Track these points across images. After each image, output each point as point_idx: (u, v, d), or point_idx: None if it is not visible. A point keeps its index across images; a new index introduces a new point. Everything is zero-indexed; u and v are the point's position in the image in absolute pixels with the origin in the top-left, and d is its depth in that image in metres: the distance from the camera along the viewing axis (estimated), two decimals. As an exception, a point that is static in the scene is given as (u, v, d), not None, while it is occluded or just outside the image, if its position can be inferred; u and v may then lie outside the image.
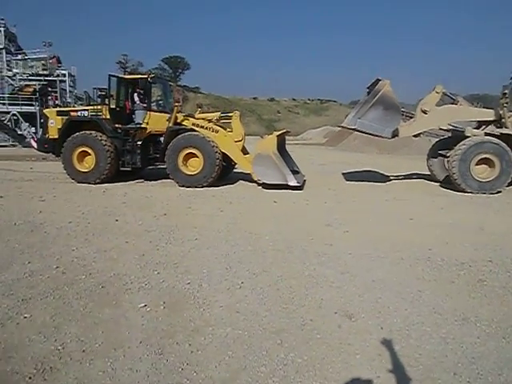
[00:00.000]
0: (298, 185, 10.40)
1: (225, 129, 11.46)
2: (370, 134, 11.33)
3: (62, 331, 3.24)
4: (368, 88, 11.38)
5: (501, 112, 10.74)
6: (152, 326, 3.36)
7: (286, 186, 10.22)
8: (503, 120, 10.75)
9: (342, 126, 11.50)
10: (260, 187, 10.85)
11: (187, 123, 11.31)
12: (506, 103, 10.69)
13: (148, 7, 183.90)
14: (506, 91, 11.12)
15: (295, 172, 11.29)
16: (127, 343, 3.09)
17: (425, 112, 11.04)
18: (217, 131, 11.18)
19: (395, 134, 11.12)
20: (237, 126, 11.43)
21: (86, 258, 4.96)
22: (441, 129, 11.51)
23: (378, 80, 10.66)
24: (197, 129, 11.22)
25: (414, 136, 12.33)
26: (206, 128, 11.21)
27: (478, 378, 2.71)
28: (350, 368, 2.82)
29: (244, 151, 11.43)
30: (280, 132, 11.52)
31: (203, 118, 11.69)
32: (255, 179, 10.92)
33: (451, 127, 11.33)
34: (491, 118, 11.02)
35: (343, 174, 14.07)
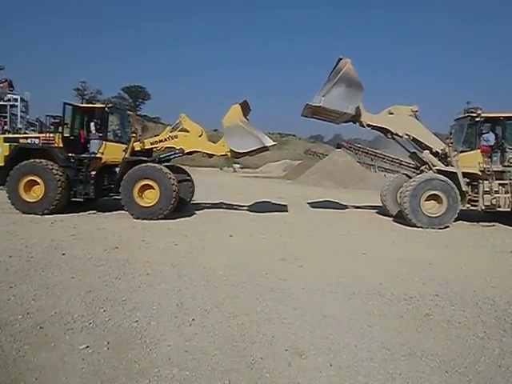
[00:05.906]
0: (275, 143, 10.77)
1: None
2: (334, 113, 11.50)
3: (-11, 379, 2.97)
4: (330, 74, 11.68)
5: (447, 151, 11.49)
6: (92, 370, 3.15)
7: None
8: (449, 159, 11.47)
9: (308, 105, 11.34)
10: (215, 220, 10.78)
11: (145, 145, 11.51)
12: (451, 143, 11.46)
13: (109, 37, 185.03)
14: (452, 131, 11.96)
15: None
16: (63, 390, 2.87)
17: (391, 113, 11.91)
18: (176, 136, 11.45)
19: (358, 114, 11.53)
20: (191, 125, 11.60)
21: (25, 295, 4.64)
22: (397, 136, 12.06)
23: (340, 59, 11.08)
24: (156, 145, 11.51)
25: (369, 126, 12.54)
26: (165, 140, 11.45)
27: (422, 415, 2.74)
28: (299, 409, 2.77)
29: None
30: (241, 101, 11.09)
31: None
32: (233, 155, 11.27)
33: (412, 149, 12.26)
34: (439, 150, 11.73)
35: (308, 203, 15.42)
